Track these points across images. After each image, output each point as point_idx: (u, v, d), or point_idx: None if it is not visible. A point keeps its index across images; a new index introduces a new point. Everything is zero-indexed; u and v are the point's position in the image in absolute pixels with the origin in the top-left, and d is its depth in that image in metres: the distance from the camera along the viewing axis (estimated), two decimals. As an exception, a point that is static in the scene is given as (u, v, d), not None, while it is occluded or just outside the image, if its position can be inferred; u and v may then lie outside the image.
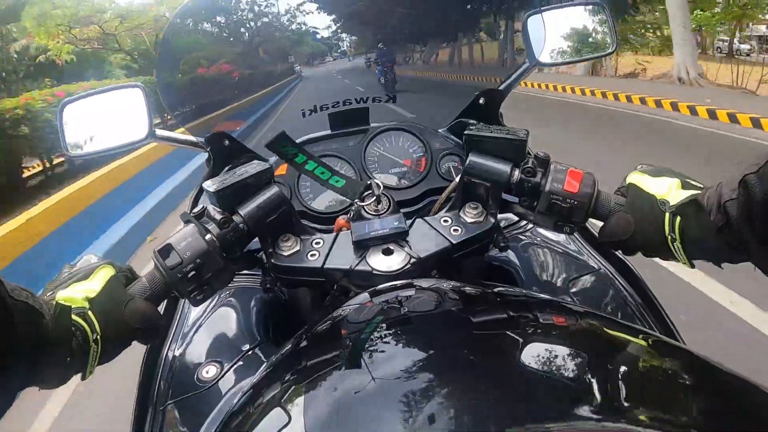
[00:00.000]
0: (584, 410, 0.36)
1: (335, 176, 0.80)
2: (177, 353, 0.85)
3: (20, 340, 0.50)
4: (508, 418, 0.35)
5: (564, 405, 0.36)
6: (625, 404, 0.38)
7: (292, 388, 0.49)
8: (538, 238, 0.99)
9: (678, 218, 0.61)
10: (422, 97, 1.29)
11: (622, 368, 0.45)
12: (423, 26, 1.28)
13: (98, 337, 0.59)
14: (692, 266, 0.63)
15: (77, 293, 0.61)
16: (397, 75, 1.20)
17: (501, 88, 1.07)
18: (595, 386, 0.40)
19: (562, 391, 0.39)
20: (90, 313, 0.59)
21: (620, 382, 0.42)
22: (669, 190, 0.64)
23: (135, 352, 0.81)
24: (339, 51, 1.21)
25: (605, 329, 0.53)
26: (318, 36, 1.19)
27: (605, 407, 0.37)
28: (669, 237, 0.62)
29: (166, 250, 0.66)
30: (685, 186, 0.64)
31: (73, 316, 0.57)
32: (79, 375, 0.59)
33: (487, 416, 0.36)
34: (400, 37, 1.28)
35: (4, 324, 0.48)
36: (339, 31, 1.21)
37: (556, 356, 0.45)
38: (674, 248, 0.62)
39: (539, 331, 0.52)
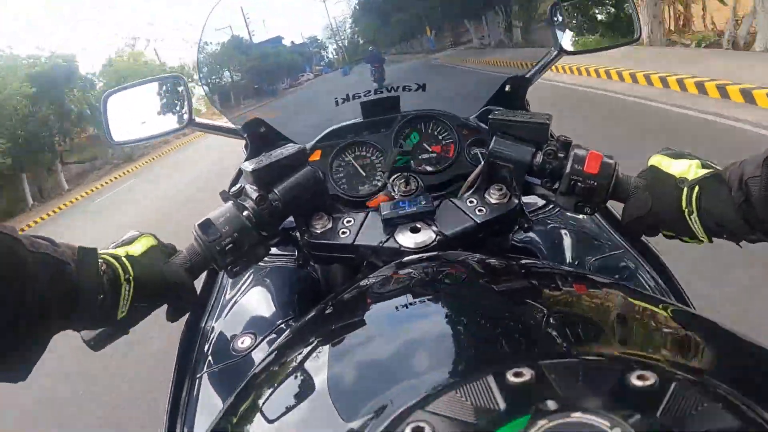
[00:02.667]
0: (594, 351, 0.38)
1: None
2: (214, 325, 0.90)
3: (44, 290, 0.51)
4: (519, 359, 0.37)
5: (575, 345, 0.39)
6: (635, 350, 0.39)
7: (316, 349, 0.51)
8: (562, 221, 1.01)
9: (696, 190, 0.62)
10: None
11: (645, 331, 0.46)
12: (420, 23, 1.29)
13: (131, 277, 0.60)
14: (710, 241, 0.64)
15: (117, 251, 0.64)
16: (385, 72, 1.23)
17: (527, 76, 1.09)
18: (608, 338, 0.43)
19: (576, 339, 0.41)
20: (124, 258, 0.62)
21: (642, 344, 0.43)
22: (689, 169, 0.65)
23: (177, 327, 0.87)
24: (323, 63, 1.21)
25: (628, 298, 0.54)
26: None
27: (613, 350, 0.39)
28: (686, 210, 0.62)
29: (206, 225, 0.71)
30: (705, 167, 0.65)
31: (103, 256, 0.59)
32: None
33: (500, 359, 0.38)
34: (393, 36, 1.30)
35: (25, 277, 0.49)
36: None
37: (575, 316, 0.47)
38: (691, 221, 0.62)
39: (562, 297, 0.54)
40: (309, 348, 0.51)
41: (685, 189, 0.63)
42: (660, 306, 0.52)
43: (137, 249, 0.66)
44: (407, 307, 0.52)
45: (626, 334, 0.45)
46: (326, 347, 0.50)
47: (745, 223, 0.58)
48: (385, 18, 1.22)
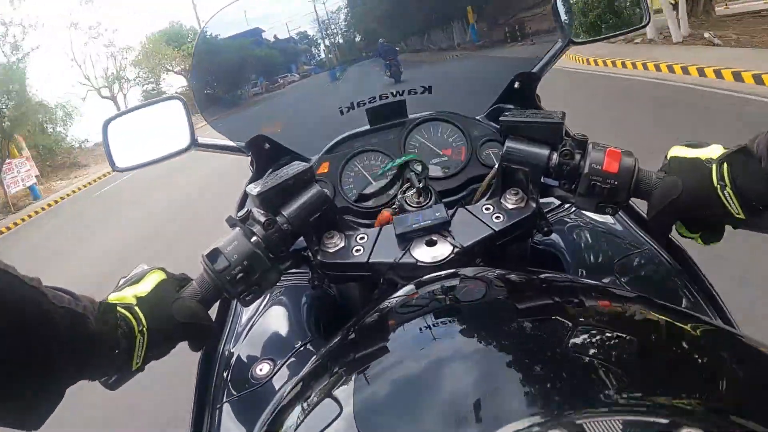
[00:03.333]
0: (635, 399, 0.35)
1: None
2: (231, 352, 0.88)
3: (64, 343, 0.53)
4: (558, 405, 0.35)
5: (615, 393, 0.36)
6: (675, 396, 0.36)
7: (342, 379, 0.49)
8: (583, 220, 0.98)
9: (725, 165, 0.60)
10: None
11: (673, 357, 0.44)
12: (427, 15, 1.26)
13: (144, 329, 0.61)
14: (745, 218, 0.61)
15: (127, 293, 0.64)
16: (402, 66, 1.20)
17: (535, 70, 1.06)
18: (645, 377, 0.40)
19: (613, 378, 0.39)
20: (136, 307, 0.62)
21: (670, 370, 0.41)
22: (712, 152, 0.63)
23: (194, 357, 0.85)
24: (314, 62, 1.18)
25: (655, 314, 0.52)
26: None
27: (654, 400, 0.36)
28: (718, 186, 0.60)
29: (214, 255, 0.68)
30: (727, 149, 0.63)
31: (119, 309, 0.60)
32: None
33: (538, 404, 0.36)
34: (402, 28, 1.27)
35: (48, 330, 0.51)
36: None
37: (605, 342, 0.45)
38: (724, 196, 0.60)
39: (586, 317, 0.52)
40: (334, 379, 0.50)
41: (714, 165, 0.61)
42: (701, 329, 0.49)
43: (147, 287, 0.65)
44: (432, 336, 0.50)
45: (666, 370, 0.41)
46: (353, 378, 0.48)
47: None
48: (387, 16, 1.20)
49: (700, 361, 0.44)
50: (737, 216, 0.61)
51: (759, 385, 0.39)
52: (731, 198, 0.60)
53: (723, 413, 0.34)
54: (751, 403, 0.36)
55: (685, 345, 0.47)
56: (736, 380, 0.41)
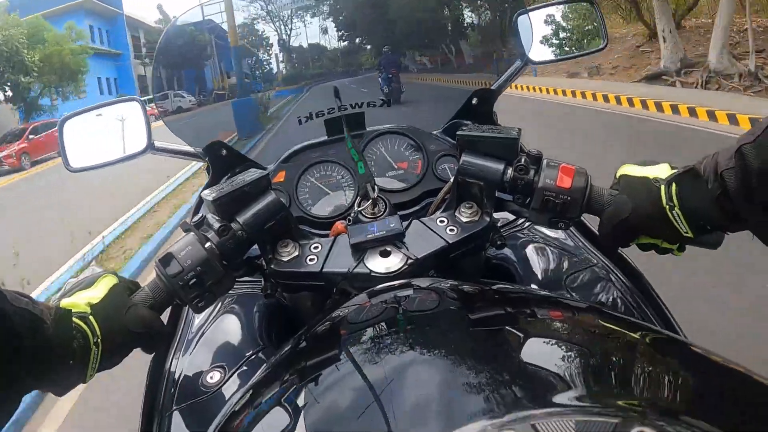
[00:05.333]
0: (583, 405, 0.36)
1: (361, 162, 0.82)
2: (182, 360, 0.86)
3: (22, 346, 0.51)
4: (510, 409, 0.36)
5: (563, 400, 0.37)
6: (626, 399, 0.38)
7: (292, 387, 0.49)
8: (536, 236, 1.00)
9: (674, 186, 0.61)
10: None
11: (623, 362, 0.45)
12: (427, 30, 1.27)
13: (99, 340, 0.60)
14: (694, 236, 0.63)
15: (80, 300, 0.62)
16: (404, 84, 1.19)
17: (493, 87, 1.08)
18: (596, 381, 0.41)
19: (561, 386, 0.40)
20: (91, 317, 0.60)
21: (620, 377, 0.42)
22: (661, 171, 0.65)
23: (143, 362, 0.84)
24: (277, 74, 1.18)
25: (605, 323, 0.54)
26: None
27: (606, 402, 0.37)
28: (667, 206, 0.62)
29: (166, 259, 0.67)
30: (674, 168, 0.65)
31: (75, 320, 0.58)
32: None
33: (490, 409, 0.36)
34: (406, 41, 1.26)
35: (5, 331, 0.49)
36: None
37: (556, 351, 0.46)
38: (673, 216, 0.62)
39: (538, 326, 0.53)
40: (285, 388, 0.50)
41: (663, 186, 0.62)
42: (650, 337, 0.51)
43: (99, 293, 0.64)
44: (384, 345, 0.50)
45: (616, 375, 0.43)
46: (303, 387, 0.48)
47: (725, 214, 0.58)
48: (352, 32, 1.20)
49: (648, 365, 0.45)
50: (685, 235, 0.63)
51: (703, 386, 0.41)
52: (680, 218, 0.61)
53: (672, 413, 0.35)
54: (697, 403, 0.38)
55: (633, 351, 0.48)
56: (683, 382, 0.42)
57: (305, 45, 1.18)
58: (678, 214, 0.61)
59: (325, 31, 1.17)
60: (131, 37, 40.11)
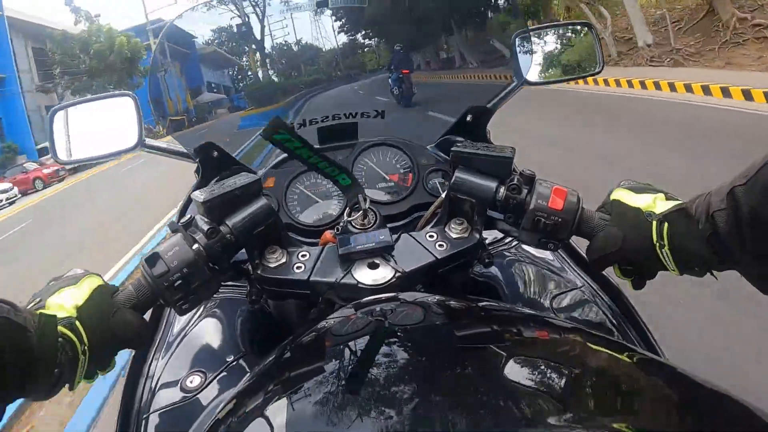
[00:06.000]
0: (564, 424, 0.37)
1: (343, 174, 0.80)
2: (162, 362, 0.85)
3: (4, 355, 0.49)
4: (490, 426, 0.36)
5: (544, 419, 0.37)
6: (604, 418, 0.38)
7: (275, 398, 0.49)
8: (523, 255, 1.01)
9: (665, 225, 0.62)
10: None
11: (603, 383, 0.45)
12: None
13: (86, 348, 0.58)
14: (681, 274, 0.64)
15: (65, 300, 0.61)
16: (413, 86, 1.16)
17: (488, 105, 1.09)
18: (576, 400, 0.41)
19: (543, 405, 0.40)
20: (78, 323, 0.59)
21: (600, 397, 0.42)
22: (654, 202, 0.65)
23: (121, 360, 0.82)
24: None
25: (587, 344, 0.54)
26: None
27: (585, 421, 0.37)
28: (657, 244, 0.62)
29: (153, 259, 0.66)
30: (668, 199, 0.65)
31: (60, 328, 0.57)
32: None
33: (470, 425, 0.37)
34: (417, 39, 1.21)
35: None
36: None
37: (537, 370, 0.46)
38: (662, 255, 0.62)
39: (522, 345, 0.53)
40: (268, 398, 0.49)
41: (655, 223, 0.63)
42: (631, 358, 0.51)
43: (83, 293, 0.62)
44: (369, 359, 0.50)
45: (597, 395, 0.43)
46: (286, 398, 0.48)
47: (714, 255, 0.58)
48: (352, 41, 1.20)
49: (629, 386, 0.46)
50: (672, 271, 0.64)
51: (682, 406, 0.42)
52: (668, 256, 0.62)
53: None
54: (676, 422, 0.39)
55: (615, 372, 0.49)
56: (662, 403, 0.43)
57: (296, 48, 1.15)
58: (667, 254, 0.62)
59: (323, 31, 1.14)
60: (31, 51, 27.59)
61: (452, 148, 0.75)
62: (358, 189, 0.81)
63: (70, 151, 1.03)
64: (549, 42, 1.14)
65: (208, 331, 0.90)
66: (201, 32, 1.12)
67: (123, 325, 0.63)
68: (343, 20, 1.14)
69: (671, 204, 0.64)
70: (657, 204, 0.65)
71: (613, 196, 0.70)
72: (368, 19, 1.16)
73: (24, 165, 21.87)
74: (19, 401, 0.55)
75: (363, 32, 1.16)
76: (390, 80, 1.20)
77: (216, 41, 1.14)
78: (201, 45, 1.12)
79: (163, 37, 1.10)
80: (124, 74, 26.23)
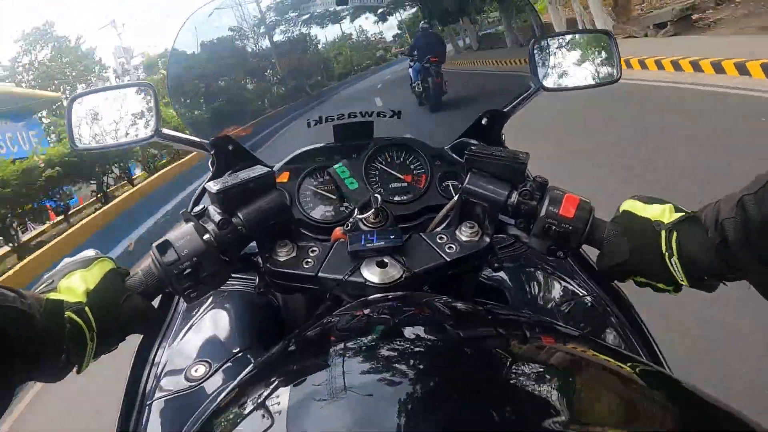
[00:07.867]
0: (563, 431, 0.37)
1: (351, 177, 0.81)
2: (168, 350, 0.86)
3: (11, 342, 0.51)
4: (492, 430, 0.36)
5: (545, 425, 0.37)
6: (604, 428, 0.38)
7: (277, 391, 0.49)
8: (532, 261, 1.00)
9: (674, 234, 0.62)
10: None
11: (606, 392, 0.45)
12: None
13: (95, 334, 0.59)
14: (690, 285, 0.64)
15: (76, 283, 0.61)
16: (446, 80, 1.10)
17: (505, 110, 1.09)
18: (577, 408, 0.41)
19: (545, 411, 0.40)
20: (87, 309, 0.59)
21: (602, 407, 0.42)
22: (663, 213, 0.65)
23: (128, 346, 0.83)
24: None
25: (592, 352, 0.54)
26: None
27: (584, 429, 0.37)
28: (666, 254, 0.62)
29: (164, 246, 0.66)
30: (678, 210, 0.65)
31: (68, 314, 0.58)
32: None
33: (471, 428, 0.37)
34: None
35: None
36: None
37: (541, 377, 0.46)
38: (671, 264, 0.62)
39: (527, 350, 0.53)
40: (270, 390, 0.49)
41: (664, 232, 0.63)
42: (635, 369, 0.51)
43: (94, 276, 0.63)
44: (374, 356, 0.50)
45: (600, 405, 0.43)
46: (288, 391, 0.48)
47: (723, 263, 0.58)
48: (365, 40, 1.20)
49: (633, 397, 0.45)
50: (681, 282, 0.63)
51: (687, 421, 0.41)
52: (677, 266, 0.62)
53: None
54: None
55: (618, 382, 0.48)
56: (664, 415, 0.43)
57: (312, 46, 1.13)
58: (676, 263, 0.62)
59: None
60: None
61: (466, 151, 0.75)
62: (364, 193, 0.82)
63: (89, 138, 1.05)
64: (567, 49, 1.13)
65: (215, 322, 0.90)
66: (220, 31, 1.13)
67: (132, 310, 0.64)
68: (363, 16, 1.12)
69: (680, 214, 0.64)
70: (666, 214, 0.65)
71: (623, 207, 0.70)
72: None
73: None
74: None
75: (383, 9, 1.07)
76: (411, 71, 1.18)
77: (237, 38, 1.14)
78: (223, 40, 1.13)
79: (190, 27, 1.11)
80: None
